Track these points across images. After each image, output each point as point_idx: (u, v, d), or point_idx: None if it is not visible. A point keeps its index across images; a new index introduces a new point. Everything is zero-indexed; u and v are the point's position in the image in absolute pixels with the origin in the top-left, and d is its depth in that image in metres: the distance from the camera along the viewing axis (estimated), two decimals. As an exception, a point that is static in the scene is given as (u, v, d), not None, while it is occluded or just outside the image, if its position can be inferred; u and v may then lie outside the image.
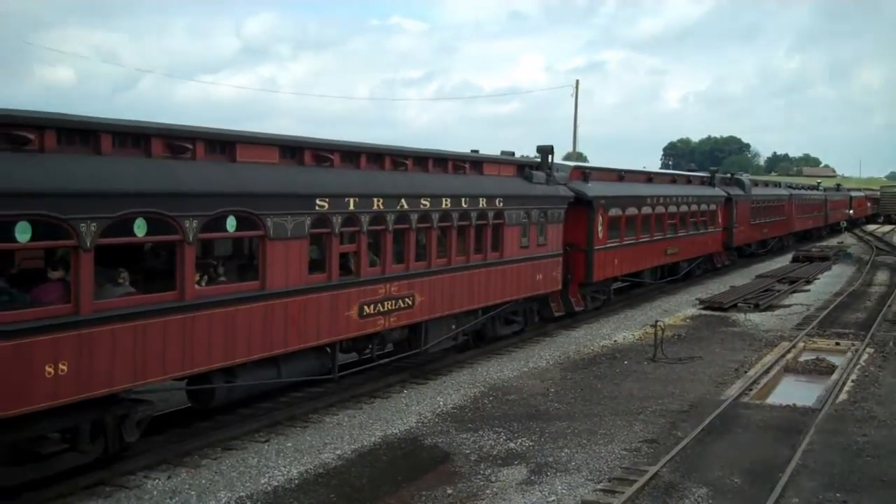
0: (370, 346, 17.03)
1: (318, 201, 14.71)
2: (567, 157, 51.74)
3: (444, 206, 18.23)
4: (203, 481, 12.13)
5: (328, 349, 15.66)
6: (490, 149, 23.74)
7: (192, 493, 11.71)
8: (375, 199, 16.16)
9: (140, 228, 11.66)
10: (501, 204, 20.40)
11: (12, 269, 11.64)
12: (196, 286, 12.62)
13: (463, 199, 18.91)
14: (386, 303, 16.58)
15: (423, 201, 17.55)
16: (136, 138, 12.11)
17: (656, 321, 22.85)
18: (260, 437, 14.16)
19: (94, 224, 10.90)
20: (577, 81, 58.79)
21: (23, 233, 10.15)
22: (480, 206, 19.57)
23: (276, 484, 12.18)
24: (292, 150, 14.99)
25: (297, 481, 12.34)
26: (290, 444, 13.90)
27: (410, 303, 17.28)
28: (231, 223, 13.15)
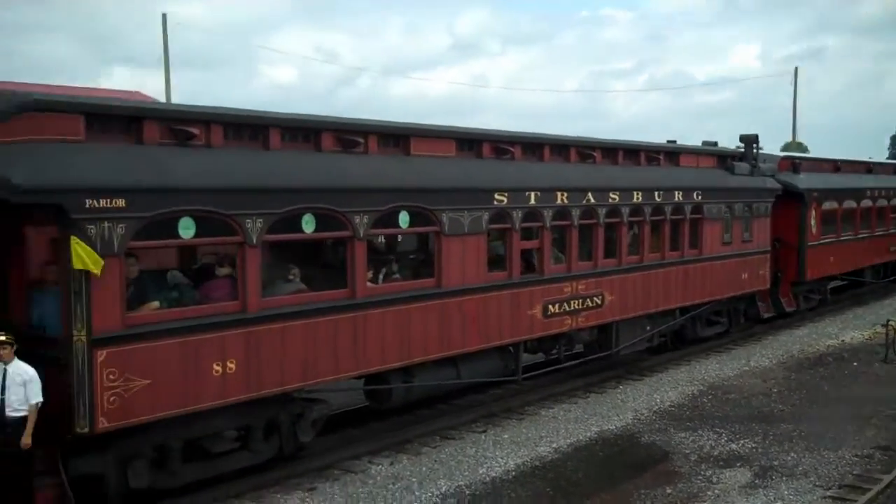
0: (557, 347, 16.10)
1: (496, 195, 13.99)
2: (786, 148, 48.36)
3: (635, 199, 17.06)
4: (423, 469, 12.21)
5: (511, 349, 14.87)
6: (700, 140, 22.26)
7: (414, 479, 11.78)
8: (559, 193, 15.25)
9: (308, 224, 11.30)
10: (700, 197, 18.96)
11: (180, 265, 11.57)
12: (368, 284, 12.16)
13: (656, 193, 17.65)
14: (572, 302, 15.59)
15: (611, 195, 16.47)
16: (305, 133, 11.83)
17: (888, 320, 20.66)
18: (477, 428, 14.14)
19: (261, 220, 10.61)
20: (796, 69, 54.98)
21: (186, 229, 9.96)
22: (676, 199, 18.23)
23: (493, 475, 12.03)
24: (470, 142, 14.37)
25: (513, 473, 12.14)
26: (506, 436, 13.74)
27: (599, 302, 16.20)
28: (404, 219, 12.64)
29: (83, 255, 8.80)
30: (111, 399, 9.24)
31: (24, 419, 9.00)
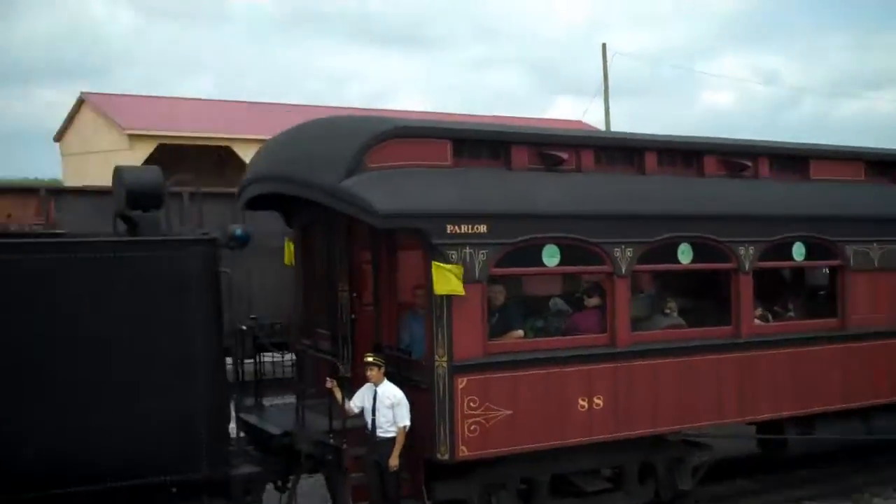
0: None
1: (916, 226, 12.07)
2: None
3: None
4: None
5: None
6: None
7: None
8: None
9: (684, 255, 10.47)
10: None
11: (556, 293, 11.27)
12: (755, 322, 10.98)
13: None
14: None
15: None
16: (686, 156, 11.09)
17: None
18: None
19: (630, 249, 9.98)
20: None
21: (551, 257, 9.63)
22: None
23: None
24: (885, 165, 12.62)
25: None
26: None
27: None
28: (798, 250, 11.31)
29: (445, 280, 8.80)
30: (472, 427, 9.09)
31: (392, 440, 9.19)
